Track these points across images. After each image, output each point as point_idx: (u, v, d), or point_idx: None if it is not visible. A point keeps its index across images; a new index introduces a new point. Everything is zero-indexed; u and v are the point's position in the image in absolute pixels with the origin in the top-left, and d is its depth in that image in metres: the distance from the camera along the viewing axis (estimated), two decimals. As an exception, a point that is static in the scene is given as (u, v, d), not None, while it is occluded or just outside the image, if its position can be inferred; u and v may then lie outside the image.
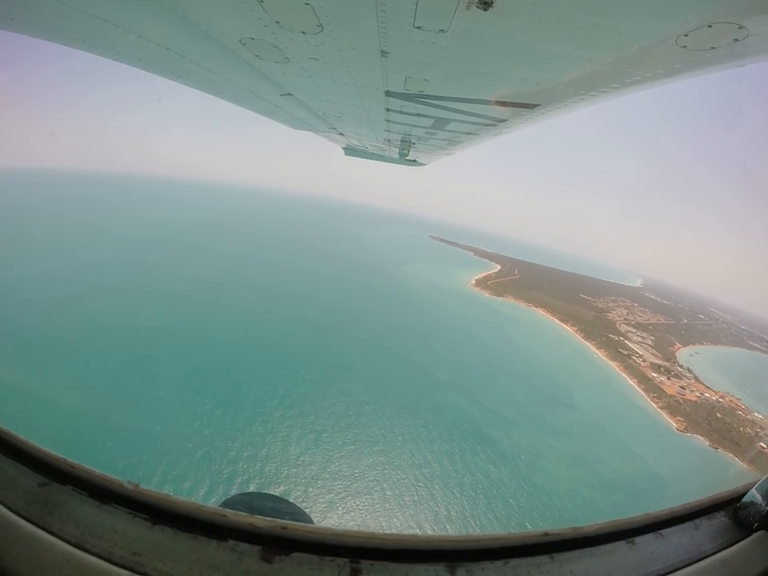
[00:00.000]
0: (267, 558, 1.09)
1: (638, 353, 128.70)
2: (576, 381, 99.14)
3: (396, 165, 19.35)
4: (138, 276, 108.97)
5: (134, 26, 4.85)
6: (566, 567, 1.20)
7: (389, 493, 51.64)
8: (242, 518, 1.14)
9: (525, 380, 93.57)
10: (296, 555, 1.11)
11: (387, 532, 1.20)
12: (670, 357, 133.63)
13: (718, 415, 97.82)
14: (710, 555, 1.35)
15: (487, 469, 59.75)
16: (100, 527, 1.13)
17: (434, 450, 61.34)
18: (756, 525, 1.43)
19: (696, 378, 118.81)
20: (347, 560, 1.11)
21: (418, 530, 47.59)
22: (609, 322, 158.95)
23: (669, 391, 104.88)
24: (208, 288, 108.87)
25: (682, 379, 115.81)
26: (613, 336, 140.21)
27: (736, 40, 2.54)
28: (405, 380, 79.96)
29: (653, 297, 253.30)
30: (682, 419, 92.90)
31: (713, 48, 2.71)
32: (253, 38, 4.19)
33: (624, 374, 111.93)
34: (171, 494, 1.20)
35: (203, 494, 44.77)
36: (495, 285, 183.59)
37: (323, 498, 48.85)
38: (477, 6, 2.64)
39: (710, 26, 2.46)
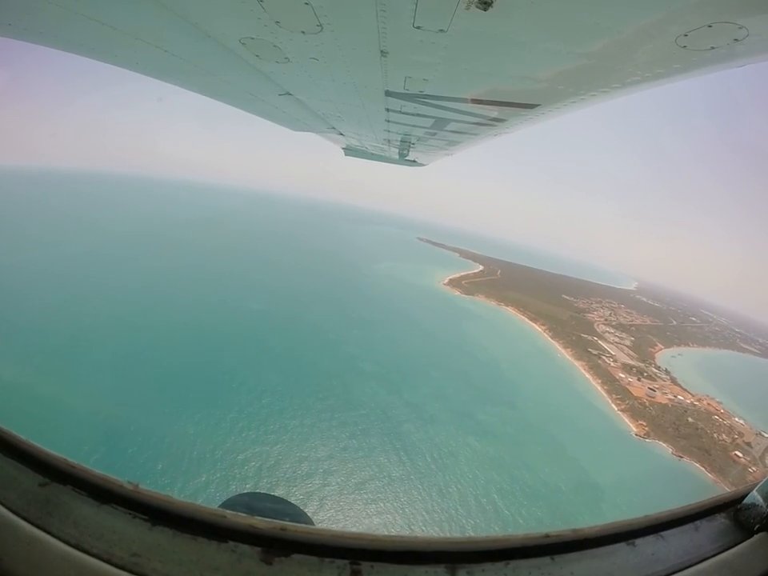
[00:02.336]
0: (267, 560, 1.09)
1: (610, 353, 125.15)
2: (527, 379, 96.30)
3: (396, 165, 19.34)
4: (110, 268, 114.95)
5: (133, 29, 4.83)
6: (566, 569, 1.20)
7: (248, 485, 49.30)
8: (241, 519, 1.13)
9: (464, 376, 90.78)
10: (296, 557, 1.10)
11: (387, 533, 1.18)
12: (648, 358, 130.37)
13: (690, 420, 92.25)
14: (710, 557, 1.35)
15: (381, 462, 57.88)
16: (99, 528, 1.12)
17: (329, 439, 59.95)
18: (757, 527, 1.44)
19: (673, 380, 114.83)
20: (347, 561, 1.11)
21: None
22: (586, 322, 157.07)
23: (636, 393, 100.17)
24: (168, 280, 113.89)
25: (655, 381, 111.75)
26: (586, 336, 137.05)
27: (736, 40, 2.54)
28: (326, 369, 79.97)
29: (644, 299, 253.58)
30: (644, 423, 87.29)
31: (713, 48, 2.72)
32: (253, 38, 4.19)
33: (587, 374, 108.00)
34: (171, 494, 1.19)
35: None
36: (469, 284, 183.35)
37: (195, 480, 48.14)
38: (476, 6, 2.64)
39: (709, 26, 2.47)
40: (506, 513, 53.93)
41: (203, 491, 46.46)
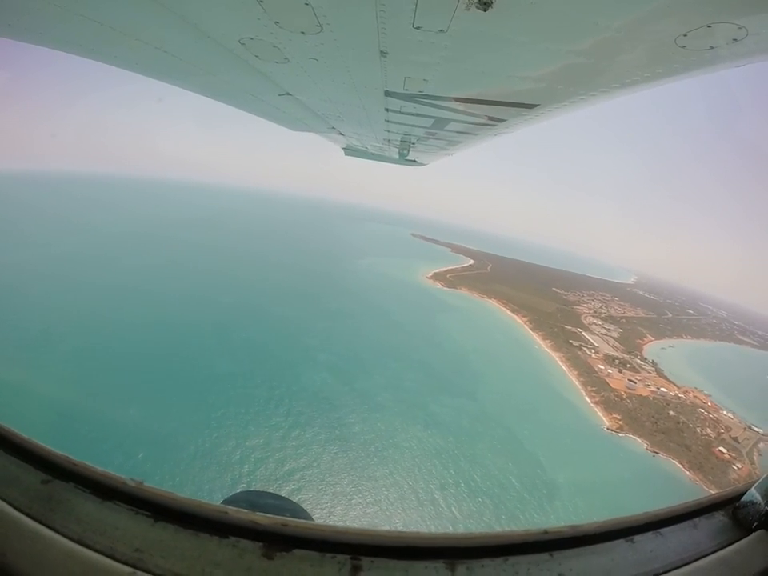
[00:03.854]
0: (268, 555, 1.10)
1: (593, 344, 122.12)
2: (495, 370, 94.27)
3: (396, 165, 19.33)
4: (92, 266, 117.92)
5: (132, 29, 4.82)
6: (565, 565, 1.20)
7: (181, 468, 49.64)
8: (243, 515, 1.14)
9: (426, 366, 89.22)
10: (297, 552, 1.11)
11: (388, 529, 1.20)
12: (634, 349, 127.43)
13: (671, 413, 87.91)
14: (709, 554, 1.36)
15: (316, 452, 57.28)
16: (102, 524, 1.13)
17: (269, 428, 59.80)
18: (755, 524, 1.45)
19: (658, 372, 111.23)
20: (348, 557, 1.12)
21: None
22: (574, 314, 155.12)
23: (614, 385, 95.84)
24: (146, 277, 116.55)
25: (638, 372, 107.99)
26: (569, 327, 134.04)
27: (735, 40, 2.55)
28: (282, 359, 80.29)
29: (641, 293, 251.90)
30: (618, 417, 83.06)
31: (712, 48, 2.73)
32: (252, 38, 4.19)
33: (564, 366, 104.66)
34: (173, 491, 1.21)
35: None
36: (454, 278, 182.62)
37: (134, 458, 49.09)
38: (476, 7, 2.65)
39: (709, 26, 2.48)
40: (443, 506, 52.53)
41: (140, 467, 47.81)
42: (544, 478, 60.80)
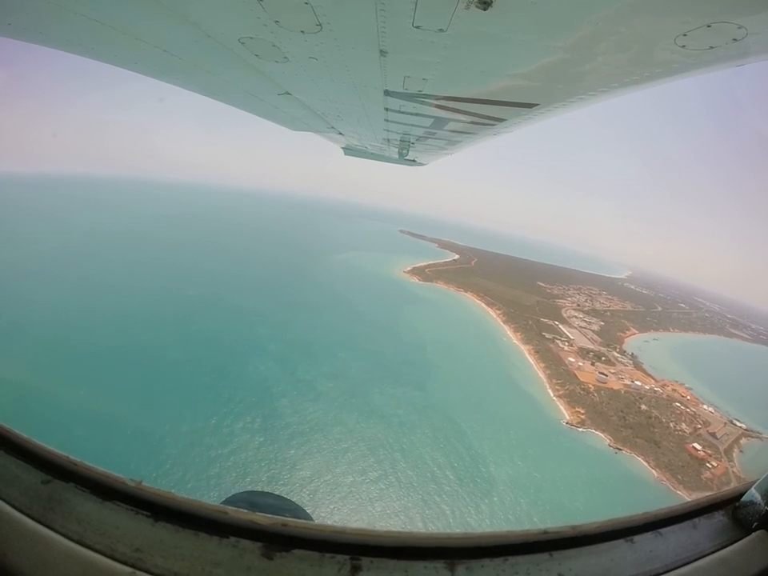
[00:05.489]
0: (268, 555, 1.10)
1: (568, 337, 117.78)
2: (452, 361, 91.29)
3: (395, 164, 19.32)
4: (71, 262, 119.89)
5: (132, 28, 4.82)
6: (565, 565, 1.20)
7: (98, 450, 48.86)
8: (243, 515, 1.15)
9: (377, 356, 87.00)
10: (297, 552, 1.12)
11: (387, 529, 1.20)
12: (614, 342, 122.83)
13: (642, 407, 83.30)
14: (708, 554, 1.37)
15: (243, 439, 56.68)
16: (102, 524, 1.14)
17: (197, 414, 59.81)
18: (755, 524, 1.46)
19: (636, 365, 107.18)
20: (347, 557, 1.12)
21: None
22: (554, 307, 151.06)
23: (583, 378, 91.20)
24: (121, 272, 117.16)
25: (614, 365, 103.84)
26: (545, 320, 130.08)
27: (735, 40, 2.56)
28: (230, 348, 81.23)
29: (632, 287, 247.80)
30: (582, 410, 78.67)
31: (711, 48, 2.74)
32: (252, 38, 4.19)
33: (531, 358, 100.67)
34: (173, 491, 1.21)
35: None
36: (432, 272, 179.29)
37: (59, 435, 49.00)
38: (476, 6, 2.65)
39: (708, 26, 2.48)
40: (365, 501, 50.53)
41: (81, 443, 47.74)
42: (484, 474, 57.99)
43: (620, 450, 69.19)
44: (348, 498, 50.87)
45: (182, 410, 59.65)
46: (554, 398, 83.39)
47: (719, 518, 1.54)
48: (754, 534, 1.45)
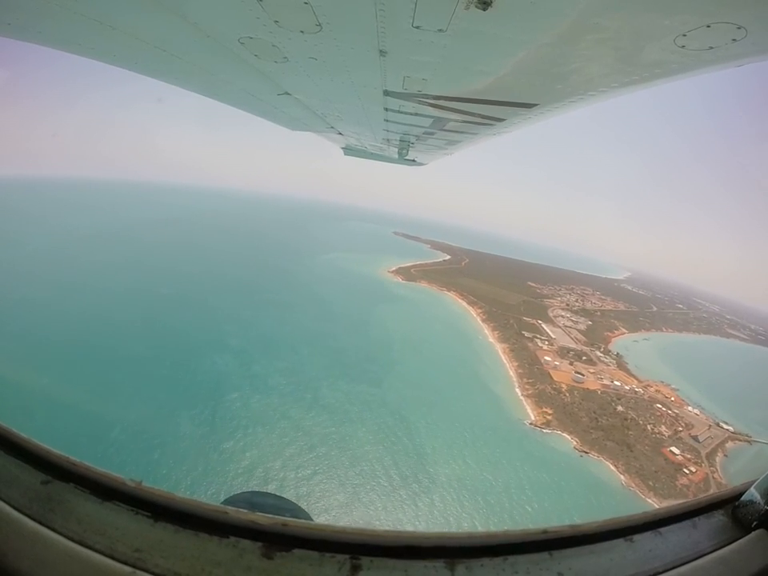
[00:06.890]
0: (268, 555, 1.10)
1: (549, 336, 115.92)
2: (417, 359, 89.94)
3: (395, 165, 19.22)
4: (50, 262, 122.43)
5: (132, 28, 4.80)
6: (564, 564, 1.21)
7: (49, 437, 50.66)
8: (243, 515, 1.15)
9: (338, 353, 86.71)
10: (297, 552, 1.12)
11: (387, 528, 1.21)
12: (599, 342, 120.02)
13: (619, 408, 79.81)
14: (708, 553, 1.37)
15: (185, 431, 56.90)
16: (102, 524, 1.14)
17: (144, 403, 60.58)
18: (755, 523, 1.46)
19: (620, 365, 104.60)
20: (347, 556, 1.12)
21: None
22: (540, 306, 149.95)
23: (557, 378, 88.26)
24: (98, 272, 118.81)
25: (595, 365, 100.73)
26: (528, 319, 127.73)
27: (734, 40, 2.55)
28: (191, 343, 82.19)
29: (629, 288, 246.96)
30: (549, 411, 75.70)
31: (711, 48, 2.74)
32: (251, 38, 4.18)
33: (505, 357, 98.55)
34: (173, 491, 1.21)
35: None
36: (418, 272, 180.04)
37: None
38: (476, 6, 2.65)
39: (708, 26, 2.48)
40: (298, 500, 48.90)
41: (37, 426, 48.53)
42: (431, 473, 56.35)
43: (586, 453, 66.22)
44: (277, 493, 50.61)
45: (134, 400, 60.83)
46: (522, 397, 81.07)
47: (719, 517, 1.54)
48: (753, 534, 1.45)
